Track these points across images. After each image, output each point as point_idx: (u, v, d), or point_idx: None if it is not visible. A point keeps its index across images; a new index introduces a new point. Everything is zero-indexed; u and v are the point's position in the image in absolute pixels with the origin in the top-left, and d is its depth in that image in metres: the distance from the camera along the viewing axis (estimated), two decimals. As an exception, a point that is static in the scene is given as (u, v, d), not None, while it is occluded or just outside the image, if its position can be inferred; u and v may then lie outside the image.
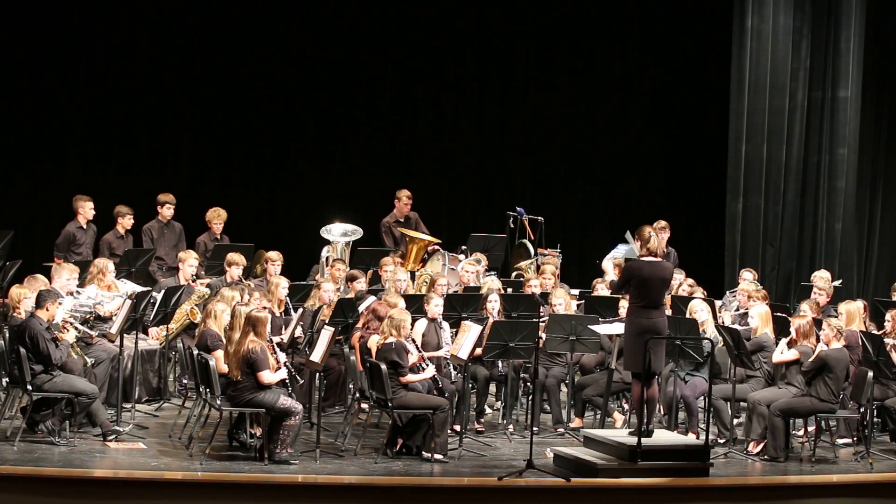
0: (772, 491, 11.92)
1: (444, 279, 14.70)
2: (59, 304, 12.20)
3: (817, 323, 13.06)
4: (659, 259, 12.03)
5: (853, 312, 13.62)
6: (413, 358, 12.29)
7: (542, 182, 20.20)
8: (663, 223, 16.46)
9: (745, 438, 13.00)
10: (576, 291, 15.27)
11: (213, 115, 19.15)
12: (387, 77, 19.73)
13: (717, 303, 14.84)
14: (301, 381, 12.56)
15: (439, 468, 11.86)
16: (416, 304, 13.42)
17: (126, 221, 16.02)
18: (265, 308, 12.54)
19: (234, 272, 14.62)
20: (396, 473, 11.58)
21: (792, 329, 12.90)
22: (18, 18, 18.14)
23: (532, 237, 17.46)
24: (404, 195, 17.34)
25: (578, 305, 14.57)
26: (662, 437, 12.19)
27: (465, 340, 12.59)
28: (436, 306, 13.22)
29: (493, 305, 13.64)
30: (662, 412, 13.21)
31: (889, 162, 20.21)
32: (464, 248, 16.80)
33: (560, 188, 20.35)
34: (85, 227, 15.86)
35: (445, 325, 13.34)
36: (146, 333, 13.96)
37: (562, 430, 13.40)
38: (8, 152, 18.19)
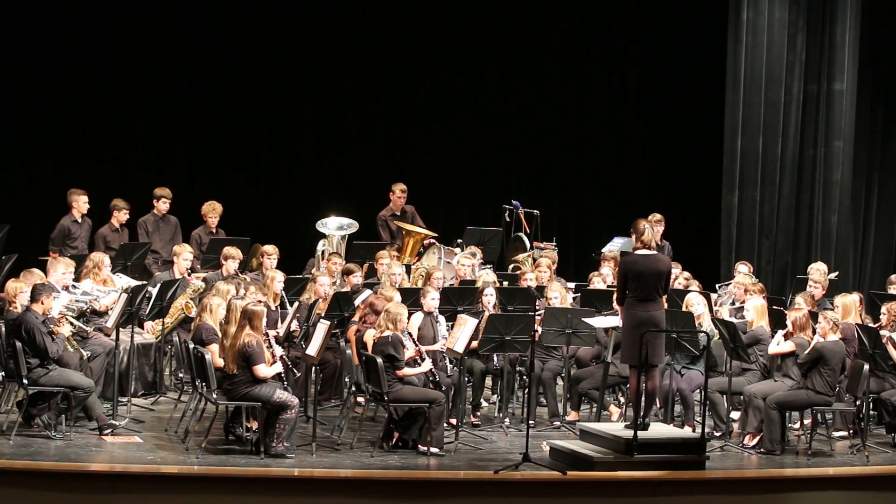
0: (768, 484, 11.93)
1: (440, 273, 14.68)
2: (55, 297, 12.19)
3: (813, 316, 13.05)
4: (654, 252, 12.03)
5: (849, 305, 13.61)
6: (409, 351, 12.29)
7: (537, 175, 20.19)
8: (658, 216, 16.47)
9: (741, 431, 13.00)
10: (572, 285, 15.26)
11: (208, 108, 19.13)
12: (382, 71, 19.71)
13: (713, 296, 14.83)
14: (297, 375, 12.55)
15: (435, 462, 11.86)
16: (412, 298, 13.41)
17: (122, 215, 16.01)
18: (261, 302, 12.53)
19: (231, 266, 14.62)
20: (392, 467, 11.58)
21: (788, 322, 12.90)
22: (14, 13, 18.11)
23: (528, 230, 17.46)
24: (398, 188, 17.33)
25: (574, 299, 14.57)
26: (658, 430, 12.19)
27: (461, 334, 12.58)
28: (432, 300, 13.20)
29: (489, 299, 13.62)
30: (659, 405, 13.20)
31: (885, 154, 20.22)
32: (459, 241, 16.81)
33: (556, 181, 20.35)
34: (80, 220, 15.84)
35: (441, 318, 13.32)
36: (142, 327, 13.94)
37: (558, 423, 13.40)
38: (3, 146, 18.17)
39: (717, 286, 15.92)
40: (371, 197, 17.88)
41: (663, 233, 16.60)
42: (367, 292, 13.59)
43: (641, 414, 11.81)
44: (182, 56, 18.95)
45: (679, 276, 15.02)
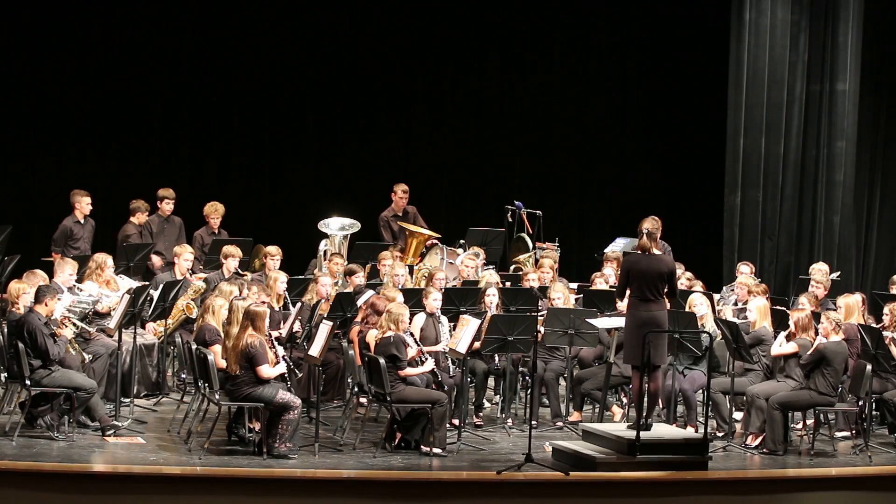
0: (770, 484, 11.93)
1: (443, 273, 14.70)
2: (58, 299, 12.20)
3: (816, 316, 13.05)
4: (657, 253, 12.04)
5: (852, 306, 13.62)
6: (412, 351, 12.29)
7: (540, 176, 20.20)
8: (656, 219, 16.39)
9: (743, 432, 13.00)
10: (574, 285, 15.26)
11: (211, 109, 19.14)
12: (385, 71, 19.71)
13: (716, 296, 14.83)
14: (300, 376, 12.56)
15: (438, 462, 11.86)
16: (414, 299, 13.42)
17: (142, 217, 16.10)
18: (264, 303, 12.53)
19: (231, 264, 14.62)
20: (395, 468, 11.58)
21: (790, 322, 12.90)
22: (17, 13, 18.12)
23: (530, 231, 17.46)
24: (400, 189, 17.34)
25: (577, 299, 14.56)
26: (661, 430, 12.19)
27: (464, 334, 12.58)
28: (434, 301, 13.21)
29: (492, 299, 13.63)
30: (661, 406, 13.20)
31: (887, 155, 20.21)
32: (462, 242, 16.80)
33: (558, 182, 20.34)
34: (82, 221, 15.84)
35: (444, 319, 13.33)
36: (144, 328, 13.95)
37: (560, 423, 13.40)
38: (6, 147, 18.19)
39: (724, 287, 15.91)
40: (373, 197, 17.88)
41: (661, 234, 16.54)
42: (370, 293, 13.59)
43: (644, 414, 11.82)
44: (185, 57, 18.98)
45: (682, 277, 15.01)
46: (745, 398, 13.02)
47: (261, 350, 11.55)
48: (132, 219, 16.11)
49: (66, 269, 13.22)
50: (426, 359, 12.40)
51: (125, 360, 13.08)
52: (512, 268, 16.67)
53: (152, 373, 13.89)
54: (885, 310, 13.50)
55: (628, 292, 12.12)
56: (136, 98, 18.73)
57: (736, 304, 14.53)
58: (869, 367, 12.65)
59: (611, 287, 14.63)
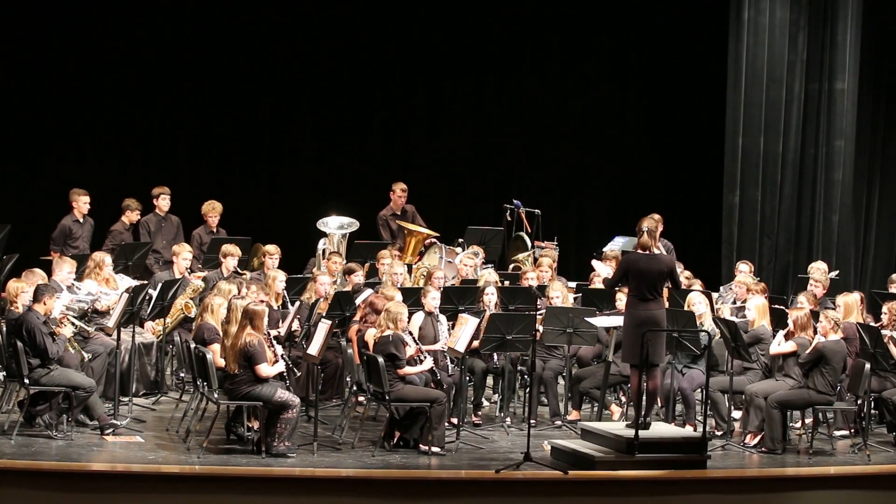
0: (769, 483, 11.93)
1: (441, 272, 14.69)
2: (57, 298, 12.20)
3: (814, 315, 13.05)
4: (657, 252, 12.04)
5: (851, 304, 13.62)
6: (411, 350, 12.30)
7: (538, 175, 20.19)
8: (657, 217, 16.42)
9: (742, 430, 13.00)
10: (573, 284, 15.26)
11: (209, 108, 19.12)
12: (384, 70, 19.70)
13: (715, 295, 14.83)
14: (298, 374, 12.55)
15: (437, 461, 11.86)
16: (413, 298, 13.42)
17: (133, 215, 16.06)
18: (263, 301, 12.53)
19: (230, 263, 14.63)
20: (394, 466, 11.58)
21: (789, 321, 12.90)
22: (15, 12, 18.11)
23: (529, 230, 17.46)
24: (398, 188, 17.35)
25: (575, 298, 14.57)
26: (660, 429, 12.19)
27: (462, 333, 12.58)
28: (433, 300, 13.21)
29: (490, 298, 13.63)
30: (660, 404, 13.21)
31: (886, 154, 20.21)
32: (461, 240, 16.81)
33: (557, 181, 20.34)
34: (81, 220, 15.84)
35: (442, 318, 13.33)
36: (142, 327, 13.94)
37: (559, 422, 13.40)
38: (5, 146, 18.17)
39: (721, 287, 15.91)
40: (372, 196, 17.88)
41: (661, 232, 16.57)
42: (368, 291, 13.59)
43: (643, 413, 11.82)
44: (183, 56, 18.95)
45: (681, 276, 14.99)
46: (743, 397, 13.03)
47: (259, 349, 11.55)
48: (123, 217, 16.11)
49: (64, 268, 13.24)
50: (425, 357, 12.41)
51: (124, 359, 13.08)
52: (511, 267, 16.66)
53: (151, 371, 13.89)
54: (884, 308, 13.52)
55: (627, 290, 12.16)
56: (135, 98, 18.71)
57: (735, 302, 14.53)
58: (868, 365, 12.65)
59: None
